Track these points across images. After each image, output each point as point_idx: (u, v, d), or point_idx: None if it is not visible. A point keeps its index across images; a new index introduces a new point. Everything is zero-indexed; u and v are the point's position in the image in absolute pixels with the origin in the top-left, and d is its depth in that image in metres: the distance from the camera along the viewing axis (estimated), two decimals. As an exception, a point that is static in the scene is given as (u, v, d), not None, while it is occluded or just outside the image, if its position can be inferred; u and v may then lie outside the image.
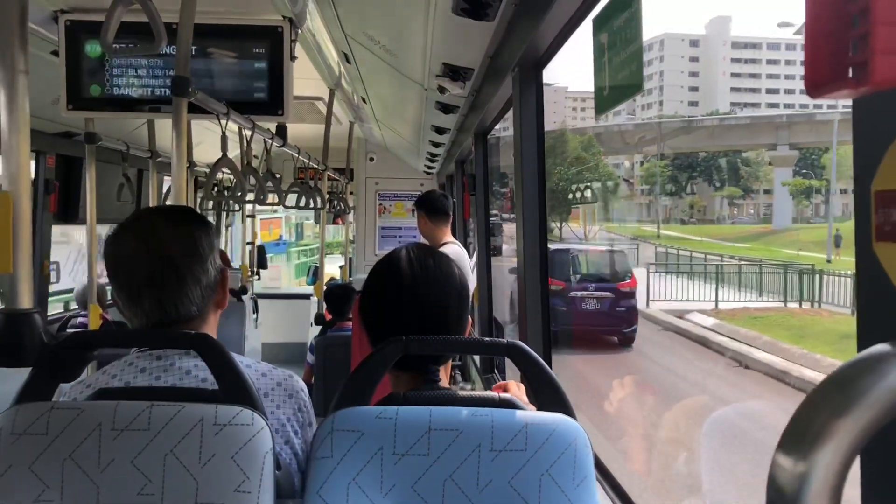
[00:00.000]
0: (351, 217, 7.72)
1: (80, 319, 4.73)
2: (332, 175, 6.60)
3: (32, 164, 4.35)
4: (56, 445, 1.26)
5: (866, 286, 0.55)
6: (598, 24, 1.51)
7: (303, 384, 1.66)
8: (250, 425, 1.27)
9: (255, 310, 6.51)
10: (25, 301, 1.43)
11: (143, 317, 1.49)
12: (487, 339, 1.46)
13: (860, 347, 0.54)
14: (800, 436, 0.52)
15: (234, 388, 1.33)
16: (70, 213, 4.70)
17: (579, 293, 15.04)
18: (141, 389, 1.40)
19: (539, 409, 1.35)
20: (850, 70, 0.49)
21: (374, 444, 1.27)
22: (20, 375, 1.35)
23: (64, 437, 1.26)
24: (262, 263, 8.37)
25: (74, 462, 1.25)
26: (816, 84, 0.52)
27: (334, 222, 8.80)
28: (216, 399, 1.32)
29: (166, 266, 1.47)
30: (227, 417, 1.27)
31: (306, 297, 8.14)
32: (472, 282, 4.49)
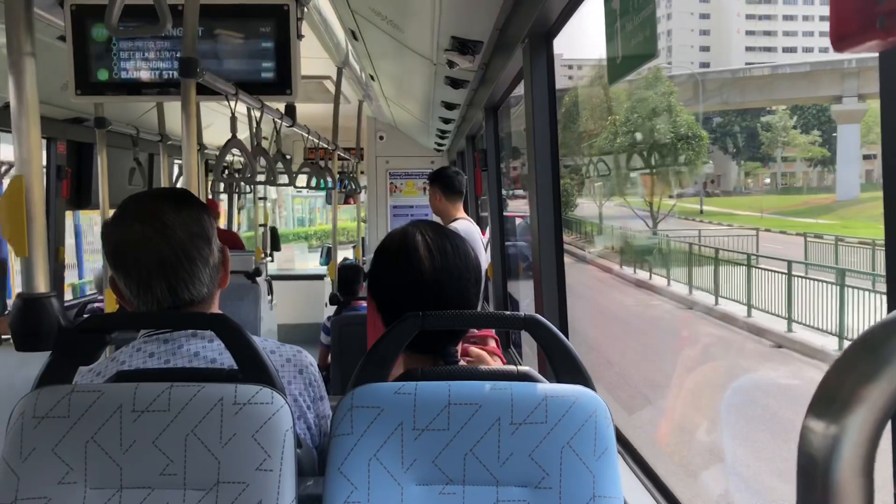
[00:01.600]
0: (362, 196, 7.71)
1: (96, 304, 4.76)
2: (342, 155, 6.58)
3: (44, 150, 4.36)
4: (78, 428, 1.26)
5: (898, 243, 0.53)
6: (610, -9, 1.49)
7: (312, 359, 1.66)
8: (270, 404, 1.27)
9: (270, 291, 6.51)
10: (41, 285, 1.43)
11: (153, 303, 1.47)
12: (505, 312, 1.45)
13: (892, 307, 0.53)
14: (830, 400, 0.51)
15: (252, 367, 1.33)
16: (83, 198, 4.71)
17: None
18: (159, 371, 1.40)
19: (558, 381, 1.34)
20: (879, 20, 0.47)
21: (393, 419, 1.27)
22: (37, 360, 1.35)
23: (86, 420, 1.26)
24: (276, 245, 8.38)
25: (97, 444, 1.26)
26: (843, 37, 0.50)
27: (346, 202, 8.79)
28: (235, 379, 1.32)
29: (176, 250, 1.46)
30: (246, 396, 1.27)
31: (320, 277, 8.16)
32: (486, 259, 4.48)
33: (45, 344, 1.39)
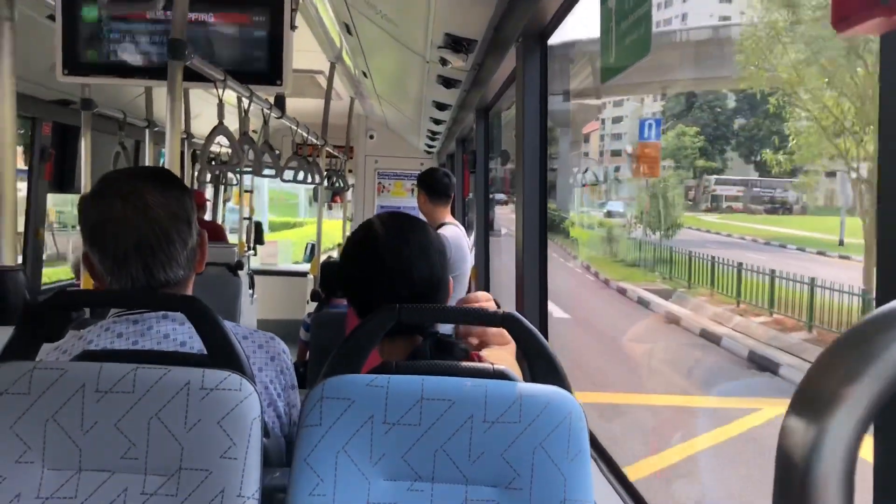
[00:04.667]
0: (349, 195, 7.67)
1: (76, 288, 4.70)
2: (330, 151, 6.55)
3: (28, 131, 4.31)
4: (38, 406, 1.22)
5: (890, 234, 0.51)
6: (606, -10, 1.47)
7: (284, 346, 1.64)
8: (238, 391, 1.24)
9: (252, 286, 6.47)
10: (8, 258, 1.39)
11: (128, 283, 1.44)
12: (483, 309, 1.43)
13: (880, 301, 0.51)
14: (811, 398, 0.49)
15: (222, 353, 1.29)
16: (66, 181, 4.66)
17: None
18: (126, 352, 1.37)
19: (533, 381, 1.32)
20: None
21: (364, 412, 1.24)
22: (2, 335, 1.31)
23: (46, 398, 1.22)
24: (259, 239, 8.33)
25: (57, 423, 1.22)
26: (844, 17, 0.48)
27: (332, 200, 8.74)
28: (203, 364, 1.29)
29: (156, 230, 1.43)
30: (214, 382, 1.24)
31: (303, 274, 8.11)
32: (470, 262, 4.45)
33: (9, 317, 1.35)
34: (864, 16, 0.46)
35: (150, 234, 1.42)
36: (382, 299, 1.40)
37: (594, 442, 2.07)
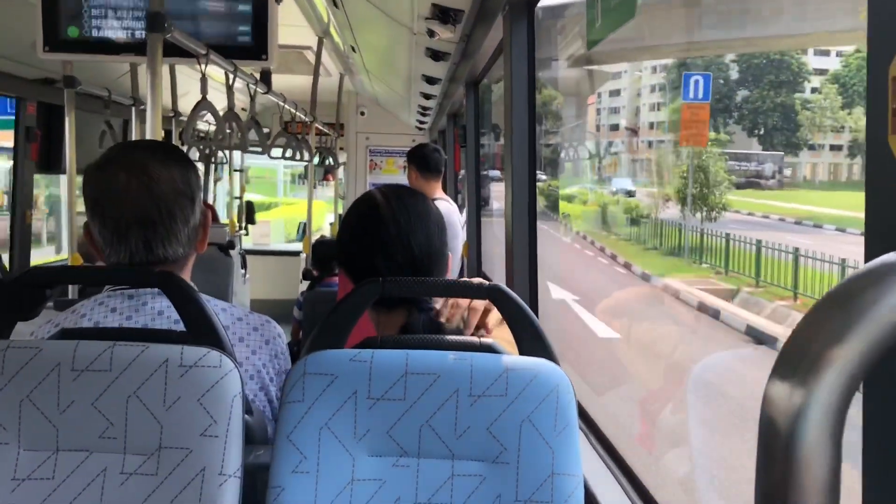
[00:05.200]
0: (341, 173, 7.61)
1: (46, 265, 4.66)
2: (320, 129, 6.49)
3: (13, 111, 4.25)
4: (12, 385, 1.20)
5: (877, 186, 0.48)
6: (591, -47, 1.43)
7: (280, 330, 1.62)
8: (218, 367, 1.21)
9: (244, 266, 6.43)
10: None
11: (126, 256, 1.42)
12: (469, 281, 1.40)
13: (868, 257, 0.48)
14: (796, 360, 0.46)
15: (201, 329, 1.27)
16: (53, 162, 4.61)
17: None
18: (105, 330, 1.34)
19: (521, 353, 1.29)
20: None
21: (347, 388, 1.22)
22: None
23: (21, 377, 1.20)
24: (251, 218, 8.28)
25: (32, 403, 1.19)
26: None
27: (324, 178, 8.69)
28: (184, 341, 1.26)
29: (159, 204, 1.41)
30: (193, 359, 1.21)
31: (296, 253, 8.08)
32: (462, 238, 4.42)
33: None
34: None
35: (152, 208, 1.41)
36: (381, 267, 1.40)
37: (583, 414, 2.05)
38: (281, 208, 21.34)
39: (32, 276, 1.30)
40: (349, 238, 1.48)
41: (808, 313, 0.47)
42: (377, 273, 1.39)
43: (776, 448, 0.47)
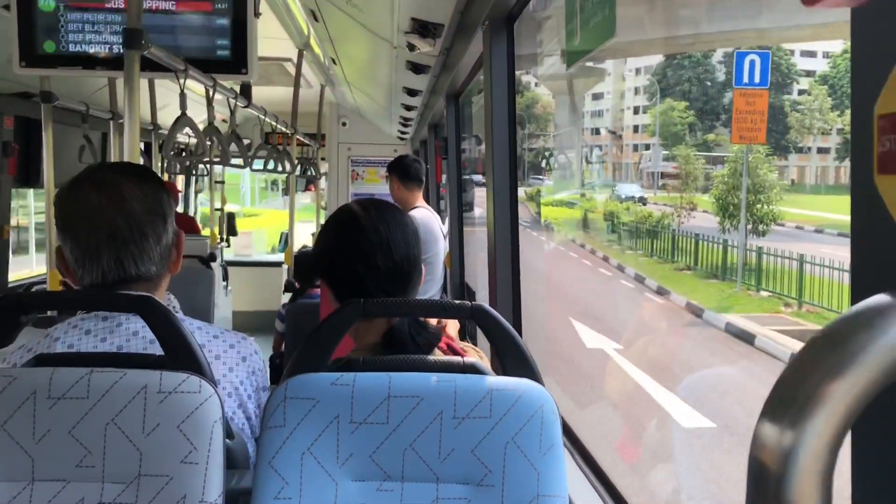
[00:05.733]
0: (323, 183, 7.59)
1: (45, 286, 4.61)
2: (301, 140, 6.46)
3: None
4: None
5: (864, 227, 0.48)
6: (571, -30, 1.43)
7: (257, 347, 1.60)
8: (197, 393, 1.20)
9: (225, 278, 6.39)
10: None
11: (99, 275, 1.41)
12: (451, 301, 1.39)
13: (855, 299, 0.47)
14: (787, 401, 0.45)
15: (180, 354, 1.25)
16: (31, 176, 4.57)
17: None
18: (82, 355, 1.32)
19: (504, 374, 1.28)
20: (854, -29, 0.41)
21: (329, 411, 1.20)
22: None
23: None
24: (232, 230, 8.24)
25: (7, 433, 1.17)
26: (813, -10, 0.44)
27: (306, 189, 8.66)
28: (162, 365, 1.24)
29: (130, 222, 1.41)
30: (172, 385, 1.19)
31: (278, 264, 8.04)
32: (444, 247, 4.42)
33: None
34: (835, -11, 0.42)
35: (123, 225, 1.40)
36: (364, 274, 1.40)
37: (568, 433, 2.05)
38: (244, 220, 17.77)
39: (8, 303, 1.28)
40: (330, 247, 1.48)
41: (798, 355, 0.46)
42: (359, 280, 1.40)
43: (766, 490, 0.46)
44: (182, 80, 2.65)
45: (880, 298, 0.45)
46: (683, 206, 16.92)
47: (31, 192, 7.42)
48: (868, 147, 0.44)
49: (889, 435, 0.50)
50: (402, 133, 6.81)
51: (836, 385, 0.43)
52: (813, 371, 0.45)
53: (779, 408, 0.45)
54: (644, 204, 18.87)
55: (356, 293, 1.36)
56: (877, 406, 0.46)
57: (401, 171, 4.40)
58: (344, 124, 7.51)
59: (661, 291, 11.91)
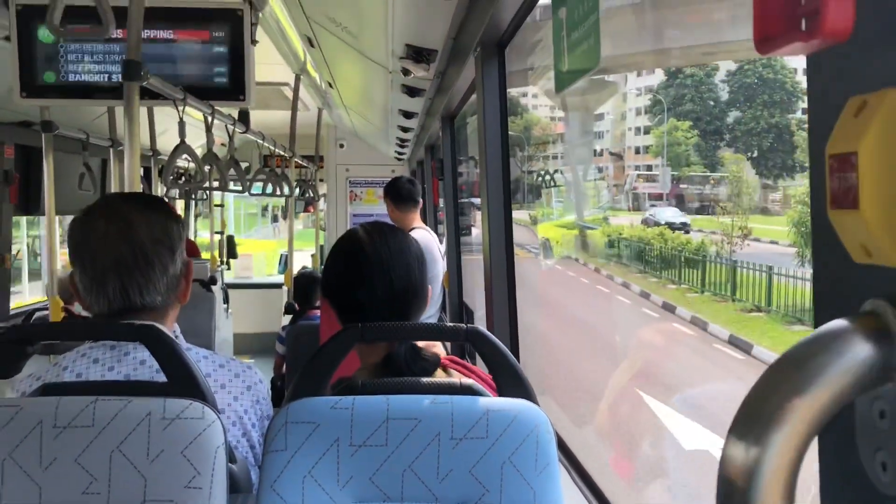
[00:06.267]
0: (322, 205, 7.62)
1: (46, 312, 4.64)
2: (300, 162, 6.51)
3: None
4: None
5: (822, 257, 0.51)
6: (557, 0, 1.47)
7: (261, 376, 1.63)
8: (201, 419, 1.22)
9: (226, 300, 6.42)
10: None
11: (105, 304, 1.44)
12: (447, 324, 1.42)
13: (817, 322, 0.51)
14: (753, 418, 0.49)
15: (183, 381, 1.28)
16: (31, 204, 4.60)
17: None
18: (87, 384, 1.35)
19: (501, 394, 1.31)
20: (801, 22, 0.45)
21: (329, 435, 1.23)
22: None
23: (3, 436, 1.20)
24: (232, 253, 8.27)
25: (14, 461, 1.20)
26: (767, 39, 0.48)
27: (305, 210, 8.70)
28: (166, 393, 1.27)
29: (135, 250, 1.44)
30: (175, 411, 1.22)
31: (278, 286, 8.06)
32: (442, 267, 4.45)
33: None
34: (786, 39, 0.46)
35: (128, 254, 1.43)
36: (364, 300, 1.44)
37: (564, 449, 2.07)
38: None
39: (14, 334, 1.31)
40: (333, 273, 1.52)
41: (762, 376, 0.50)
42: (360, 307, 1.44)
43: (733, 502, 0.49)
44: (181, 109, 2.69)
45: (839, 323, 0.48)
46: (737, 233, 14.32)
47: (24, 219, 7.46)
48: (822, 184, 0.48)
49: (849, 448, 0.53)
50: (400, 154, 6.86)
51: (797, 403, 0.47)
52: (776, 391, 0.48)
53: (745, 425, 0.48)
54: (687, 231, 16.21)
55: (357, 318, 1.40)
56: (838, 422, 0.49)
57: (394, 194, 4.45)
58: (341, 146, 7.57)
59: (730, 340, 9.50)
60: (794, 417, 0.47)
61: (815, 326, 0.49)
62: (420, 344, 1.45)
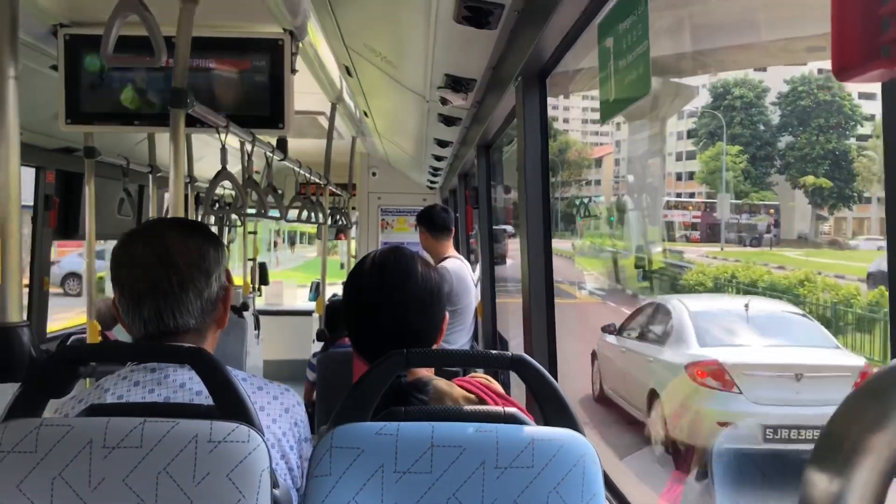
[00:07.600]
0: (353, 232, 7.67)
1: (82, 336, 4.69)
2: (333, 190, 6.56)
3: (32, 179, 4.33)
4: (45, 463, 1.21)
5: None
6: (604, 29, 1.48)
7: (299, 399, 1.63)
8: (246, 442, 1.23)
9: (257, 326, 6.45)
10: (14, 314, 1.39)
11: (141, 326, 1.47)
12: (491, 352, 1.42)
13: (895, 353, 0.50)
14: (834, 449, 0.48)
15: (229, 404, 1.28)
16: (70, 228, 4.68)
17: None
18: (133, 405, 1.36)
19: (545, 423, 1.30)
20: (884, 49, 0.45)
21: (374, 461, 1.23)
22: (9, 391, 1.30)
23: (53, 455, 1.21)
24: (264, 279, 8.33)
25: (64, 481, 1.21)
26: (846, 67, 0.48)
27: (337, 238, 8.75)
28: (211, 415, 1.28)
29: (170, 273, 1.45)
30: (222, 434, 1.23)
31: (308, 313, 8.09)
32: (476, 296, 4.45)
33: (15, 375, 1.35)
34: (866, 67, 0.46)
35: (163, 277, 1.45)
36: (366, 333, 1.51)
37: (608, 483, 2.05)
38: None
39: (66, 354, 1.33)
40: (344, 302, 1.59)
41: (844, 403, 0.49)
42: (364, 337, 1.52)
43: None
44: (223, 136, 2.73)
45: None
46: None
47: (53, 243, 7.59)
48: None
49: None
50: (432, 182, 6.89)
51: (881, 433, 0.46)
52: (858, 420, 0.47)
53: (826, 456, 0.48)
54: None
55: (363, 349, 1.45)
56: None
57: (428, 222, 4.47)
58: (374, 174, 7.62)
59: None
60: (878, 447, 0.46)
61: (894, 356, 0.49)
62: (465, 377, 1.46)
